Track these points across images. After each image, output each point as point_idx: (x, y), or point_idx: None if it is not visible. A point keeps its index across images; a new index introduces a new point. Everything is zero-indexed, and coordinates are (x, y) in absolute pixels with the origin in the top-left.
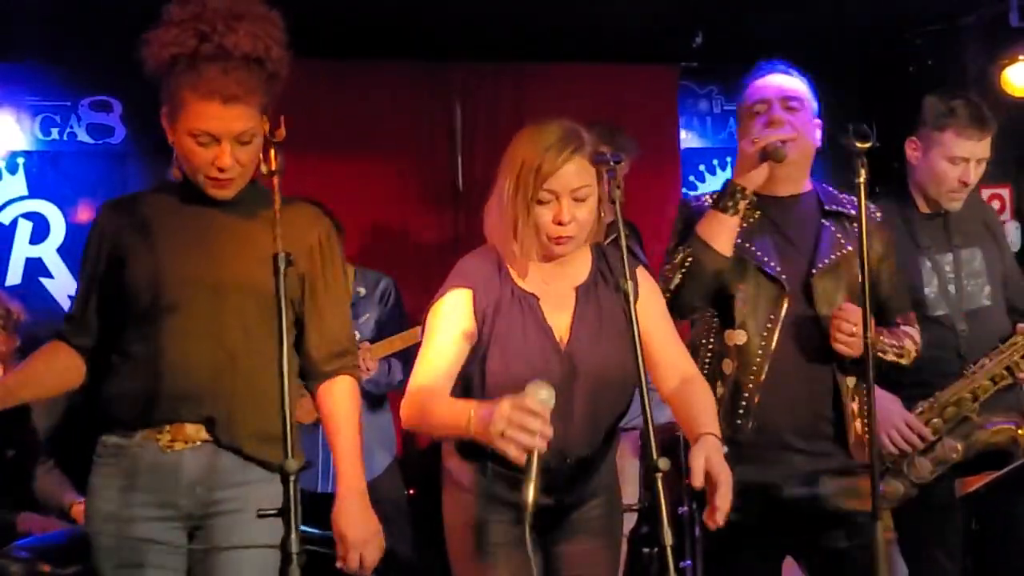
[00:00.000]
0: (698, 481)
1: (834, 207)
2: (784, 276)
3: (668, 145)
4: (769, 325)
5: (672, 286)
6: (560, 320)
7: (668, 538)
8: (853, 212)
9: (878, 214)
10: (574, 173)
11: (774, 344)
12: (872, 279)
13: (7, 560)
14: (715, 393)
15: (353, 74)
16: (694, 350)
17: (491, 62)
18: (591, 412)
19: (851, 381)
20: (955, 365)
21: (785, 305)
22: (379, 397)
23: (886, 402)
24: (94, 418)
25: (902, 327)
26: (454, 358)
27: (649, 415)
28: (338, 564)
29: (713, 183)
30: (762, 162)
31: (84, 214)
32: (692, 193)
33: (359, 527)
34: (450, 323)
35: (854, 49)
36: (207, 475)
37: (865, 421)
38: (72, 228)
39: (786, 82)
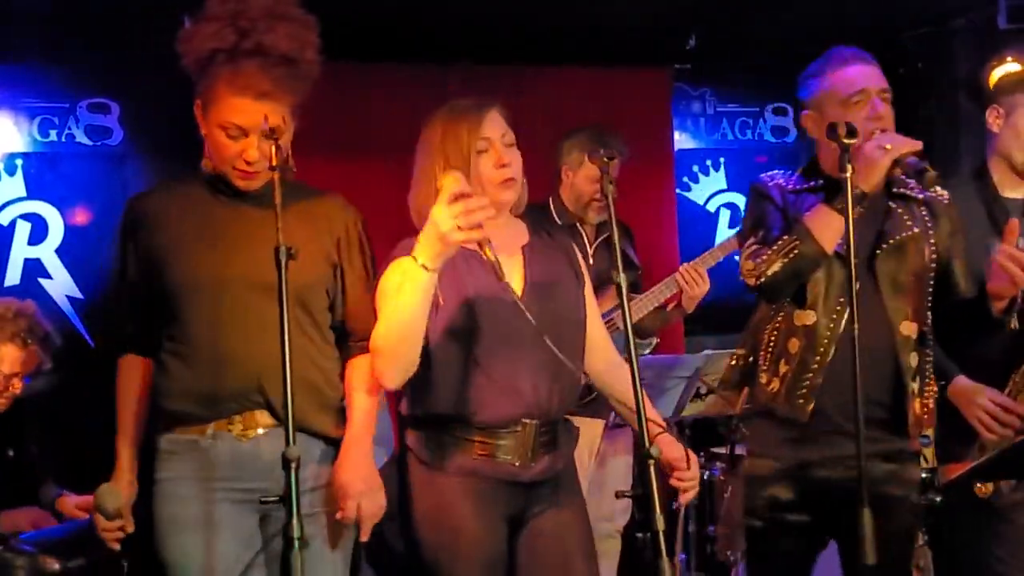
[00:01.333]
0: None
1: (901, 190)
2: (855, 259)
3: (662, 146)
4: (839, 307)
5: (770, 272)
6: (513, 274)
7: (660, 523)
8: (920, 196)
9: (945, 198)
10: (497, 120)
11: (841, 326)
12: (934, 262)
13: (13, 554)
14: (778, 371)
15: (350, 76)
16: (759, 331)
17: (488, 65)
18: (558, 365)
19: (914, 359)
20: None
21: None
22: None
23: (968, 387)
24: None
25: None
26: None
27: (642, 404)
28: (338, 515)
29: (706, 184)
30: (893, 170)
31: (82, 215)
32: (765, 175)
33: (359, 477)
34: (393, 290)
35: None
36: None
37: (925, 401)
38: (70, 229)
39: (876, 72)
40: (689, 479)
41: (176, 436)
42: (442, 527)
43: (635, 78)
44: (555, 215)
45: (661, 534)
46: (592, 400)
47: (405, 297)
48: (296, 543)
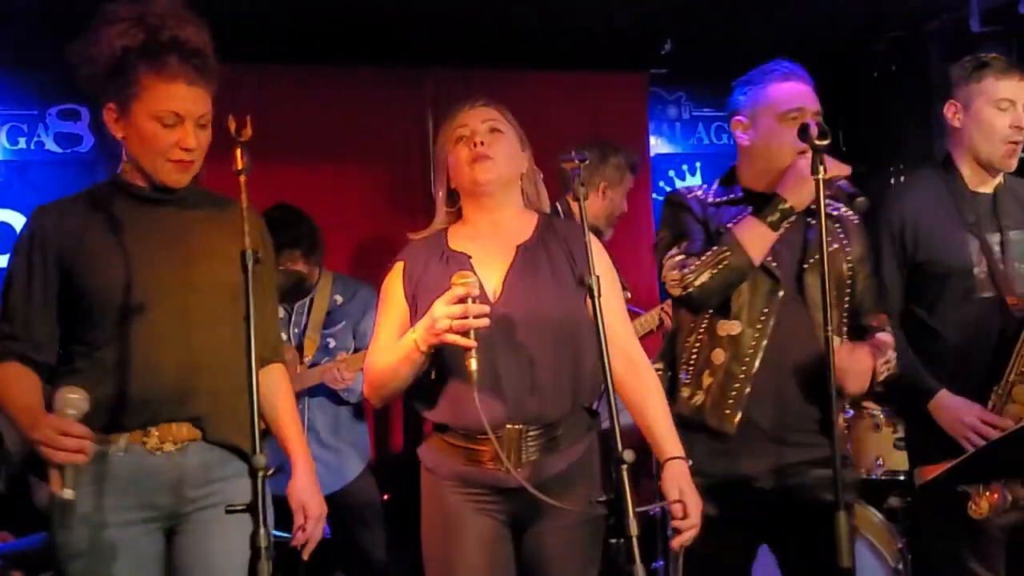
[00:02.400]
0: (680, 515)
1: (816, 207)
2: (779, 270)
3: (638, 150)
4: (763, 317)
5: (699, 282)
6: (494, 276)
7: (634, 528)
8: (835, 212)
9: (855, 218)
10: (479, 111)
11: (767, 336)
12: (850, 278)
13: None
14: (702, 384)
15: (325, 80)
16: (678, 344)
17: (463, 69)
18: (546, 363)
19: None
20: (1005, 348)
21: (779, 298)
22: (356, 406)
23: (952, 404)
24: None
25: (877, 334)
26: (398, 330)
27: (614, 408)
28: (297, 535)
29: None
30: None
31: None
32: (681, 185)
33: (318, 501)
34: (388, 298)
35: (820, 55)
36: (195, 473)
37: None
38: None
39: (812, 94)
40: (686, 527)
41: None
42: (448, 531)
43: (611, 82)
44: None
45: (635, 540)
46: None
47: (396, 359)
48: (263, 552)
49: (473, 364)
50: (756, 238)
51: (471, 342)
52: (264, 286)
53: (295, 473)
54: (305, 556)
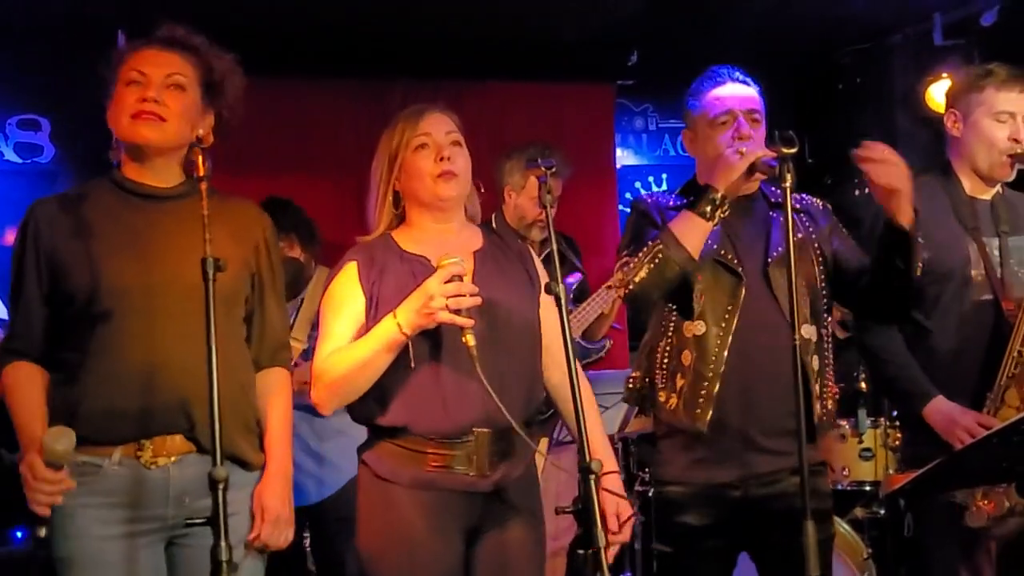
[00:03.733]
0: (615, 527)
1: (780, 200)
2: (740, 267)
3: (605, 162)
4: (727, 315)
5: (636, 278)
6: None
7: (602, 539)
8: (797, 206)
9: (819, 203)
10: (440, 119)
11: (731, 333)
12: (821, 258)
13: None
14: (675, 386)
15: (293, 92)
16: (650, 351)
17: (430, 80)
18: (512, 370)
19: (815, 362)
20: (1000, 350)
21: (743, 295)
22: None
23: (947, 409)
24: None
25: None
26: (354, 329)
27: (582, 417)
28: (251, 537)
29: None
30: (750, 175)
31: (12, 235)
32: (644, 192)
33: (285, 506)
34: (343, 298)
35: (785, 68)
36: (194, 485)
37: (825, 402)
38: (0, 249)
39: (747, 93)
40: (615, 541)
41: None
42: (398, 541)
43: (577, 93)
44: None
45: (603, 551)
46: (545, 416)
47: (370, 349)
48: (225, 566)
49: (471, 339)
50: (689, 229)
51: (468, 320)
52: (269, 287)
53: (265, 474)
54: (263, 561)
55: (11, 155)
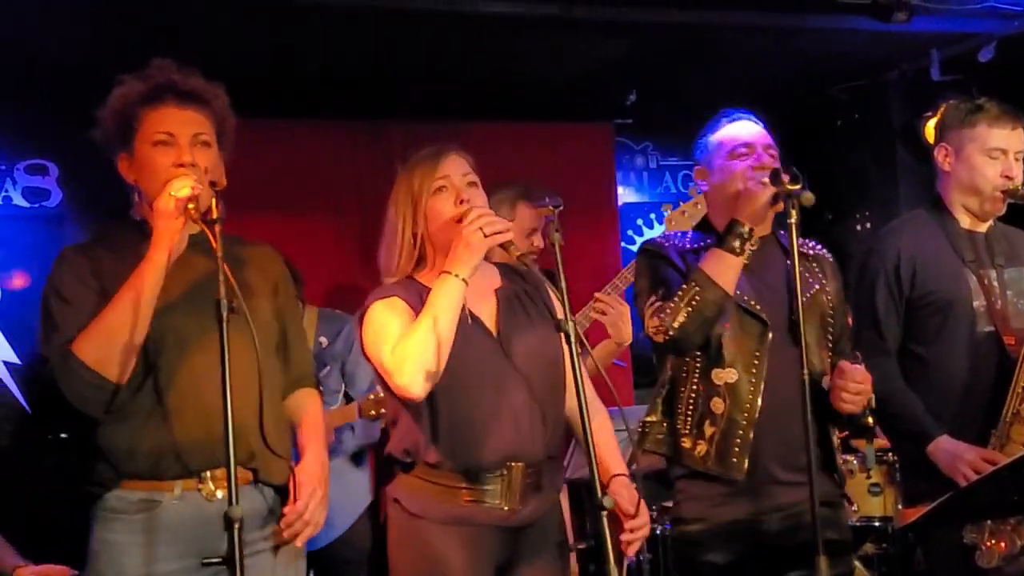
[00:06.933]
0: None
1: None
2: (764, 313)
3: (606, 200)
4: (756, 362)
5: (676, 323)
6: (485, 314)
7: (615, 574)
8: (811, 252)
9: (829, 256)
10: (457, 161)
11: (763, 380)
12: (831, 317)
13: None
14: (704, 434)
15: (293, 134)
16: (670, 395)
17: (430, 121)
18: (538, 406)
19: (829, 406)
20: (1003, 383)
21: (769, 341)
22: (358, 453)
23: (952, 447)
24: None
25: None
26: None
27: (593, 454)
28: (285, 520)
29: (652, 236)
30: (774, 205)
31: (20, 279)
32: (652, 235)
33: (315, 479)
34: (392, 310)
35: (783, 104)
36: (250, 516)
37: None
38: (7, 293)
39: (762, 131)
40: (637, 527)
41: (126, 494)
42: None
43: (577, 133)
44: None
45: None
46: None
47: (438, 307)
48: None
49: (515, 250)
50: (723, 268)
51: (508, 234)
52: (290, 320)
53: (302, 456)
54: (298, 542)
55: (19, 200)
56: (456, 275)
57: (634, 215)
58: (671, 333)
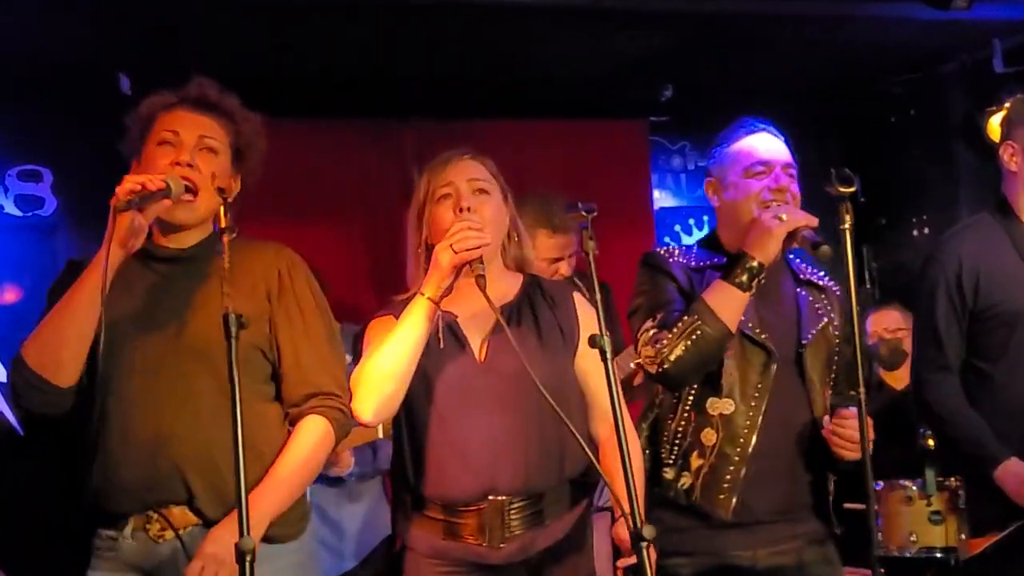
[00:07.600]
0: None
1: (806, 277)
2: (771, 343)
3: (641, 201)
4: (757, 394)
5: (674, 357)
6: (478, 338)
7: None
8: (820, 282)
9: (837, 290)
10: (467, 167)
11: (762, 414)
12: (839, 353)
13: None
14: (689, 466)
15: (306, 133)
16: (656, 422)
17: (448, 120)
18: (537, 432)
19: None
20: None
21: (772, 373)
22: (371, 478)
23: (1020, 472)
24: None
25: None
26: None
27: (632, 481)
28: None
29: (689, 242)
30: (789, 242)
31: (12, 291)
32: (663, 249)
33: (226, 549)
34: (384, 333)
35: (833, 100)
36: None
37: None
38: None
39: (782, 147)
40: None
41: (102, 531)
42: None
43: (608, 131)
44: None
45: None
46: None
47: (399, 330)
48: None
49: (480, 269)
50: (727, 302)
51: (477, 251)
52: (296, 328)
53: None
54: None
55: (11, 208)
56: (423, 294)
57: (671, 221)
58: (665, 367)
